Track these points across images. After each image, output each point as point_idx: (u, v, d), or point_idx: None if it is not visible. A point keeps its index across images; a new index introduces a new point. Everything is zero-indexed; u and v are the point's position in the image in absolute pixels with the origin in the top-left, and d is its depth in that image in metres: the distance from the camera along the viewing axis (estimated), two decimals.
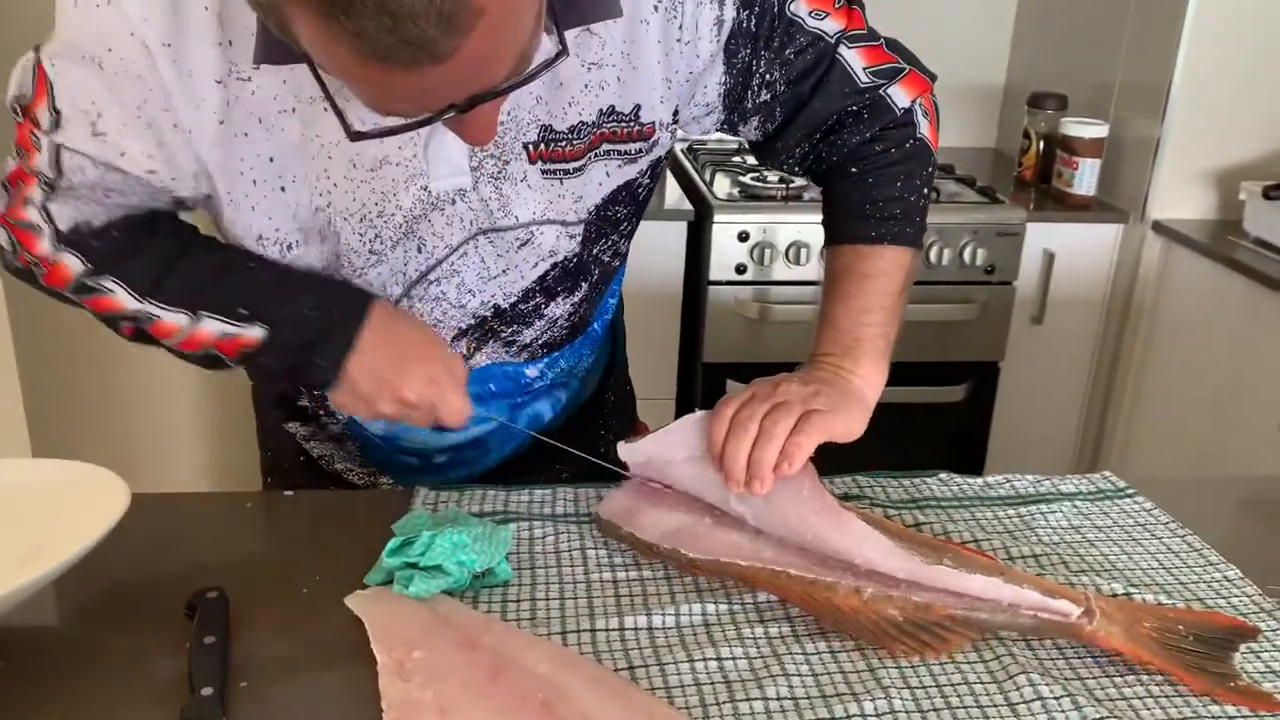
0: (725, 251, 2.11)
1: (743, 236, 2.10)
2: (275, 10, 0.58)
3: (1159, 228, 2.19)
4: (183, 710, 0.67)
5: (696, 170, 2.34)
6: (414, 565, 0.80)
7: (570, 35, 0.79)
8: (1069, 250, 2.22)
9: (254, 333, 0.85)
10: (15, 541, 0.77)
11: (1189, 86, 2.10)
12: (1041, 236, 2.20)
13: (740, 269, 2.13)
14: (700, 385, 2.23)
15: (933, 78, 0.97)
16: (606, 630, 0.78)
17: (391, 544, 0.81)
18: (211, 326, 0.85)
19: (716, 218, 2.09)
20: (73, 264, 0.85)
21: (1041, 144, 2.35)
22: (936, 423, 2.26)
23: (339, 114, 0.65)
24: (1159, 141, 2.14)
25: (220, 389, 2.27)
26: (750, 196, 2.16)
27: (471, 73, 0.60)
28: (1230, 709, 0.73)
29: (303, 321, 0.85)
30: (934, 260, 2.13)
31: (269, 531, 0.92)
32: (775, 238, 2.10)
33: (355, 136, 0.65)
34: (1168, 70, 2.10)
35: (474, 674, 0.70)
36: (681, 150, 2.51)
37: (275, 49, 0.71)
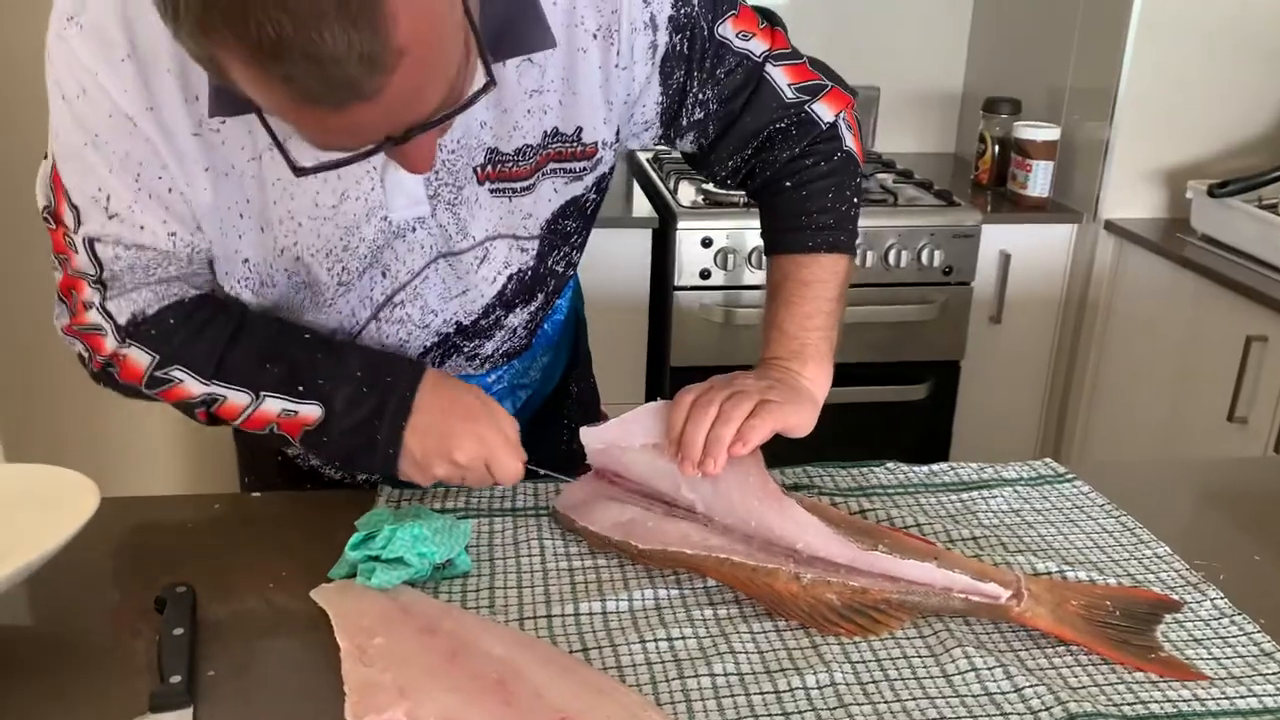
0: (690, 257, 2.15)
1: (706, 242, 2.14)
2: (212, 60, 0.60)
3: (1111, 227, 2.24)
4: (152, 697, 0.69)
5: (661, 179, 2.38)
6: (376, 558, 0.83)
7: (512, 64, 0.84)
8: (1025, 250, 2.27)
9: (312, 410, 0.88)
10: None
11: (1135, 90, 2.16)
12: (998, 238, 2.25)
13: (705, 274, 2.16)
14: (669, 389, 2.26)
15: (854, 94, 1.03)
16: (562, 615, 0.81)
17: (354, 538, 0.84)
18: (272, 405, 0.88)
19: (681, 224, 2.13)
20: (140, 357, 0.88)
21: (997, 148, 2.41)
22: (900, 421, 2.31)
23: (284, 152, 0.67)
24: (1108, 143, 2.20)
25: None
26: (714, 203, 2.20)
27: (401, 107, 0.63)
28: (1154, 676, 0.77)
29: (358, 399, 0.87)
30: (893, 262, 2.17)
31: (237, 531, 0.94)
32: (739, 243, 2.14)
33: (300, 172, 0.68)
34: (1115, 74, 2.16)
35: (432, 657, 0.73)
36: (646, 159, 2.55)
37: (227, 102, 0.74)
